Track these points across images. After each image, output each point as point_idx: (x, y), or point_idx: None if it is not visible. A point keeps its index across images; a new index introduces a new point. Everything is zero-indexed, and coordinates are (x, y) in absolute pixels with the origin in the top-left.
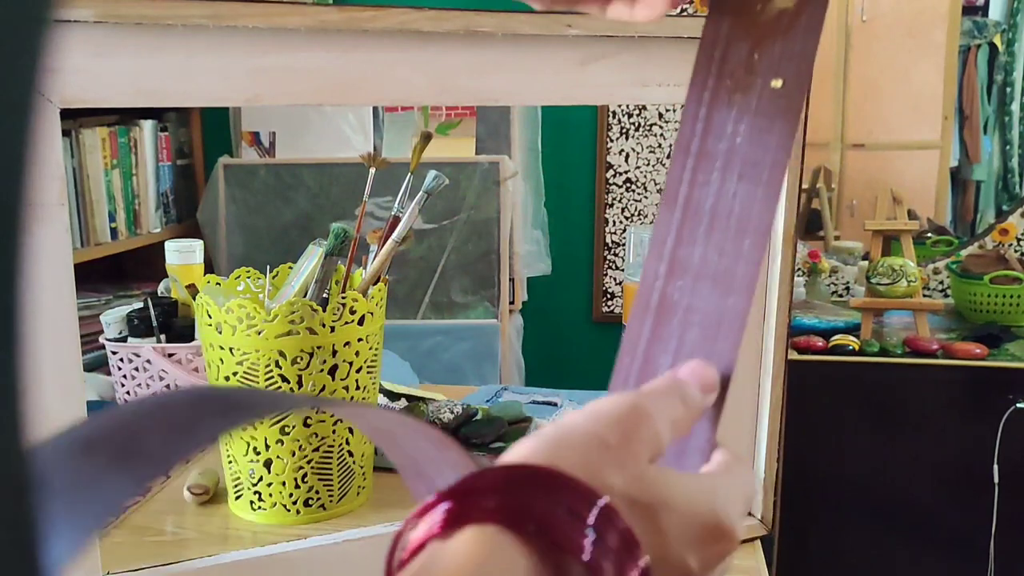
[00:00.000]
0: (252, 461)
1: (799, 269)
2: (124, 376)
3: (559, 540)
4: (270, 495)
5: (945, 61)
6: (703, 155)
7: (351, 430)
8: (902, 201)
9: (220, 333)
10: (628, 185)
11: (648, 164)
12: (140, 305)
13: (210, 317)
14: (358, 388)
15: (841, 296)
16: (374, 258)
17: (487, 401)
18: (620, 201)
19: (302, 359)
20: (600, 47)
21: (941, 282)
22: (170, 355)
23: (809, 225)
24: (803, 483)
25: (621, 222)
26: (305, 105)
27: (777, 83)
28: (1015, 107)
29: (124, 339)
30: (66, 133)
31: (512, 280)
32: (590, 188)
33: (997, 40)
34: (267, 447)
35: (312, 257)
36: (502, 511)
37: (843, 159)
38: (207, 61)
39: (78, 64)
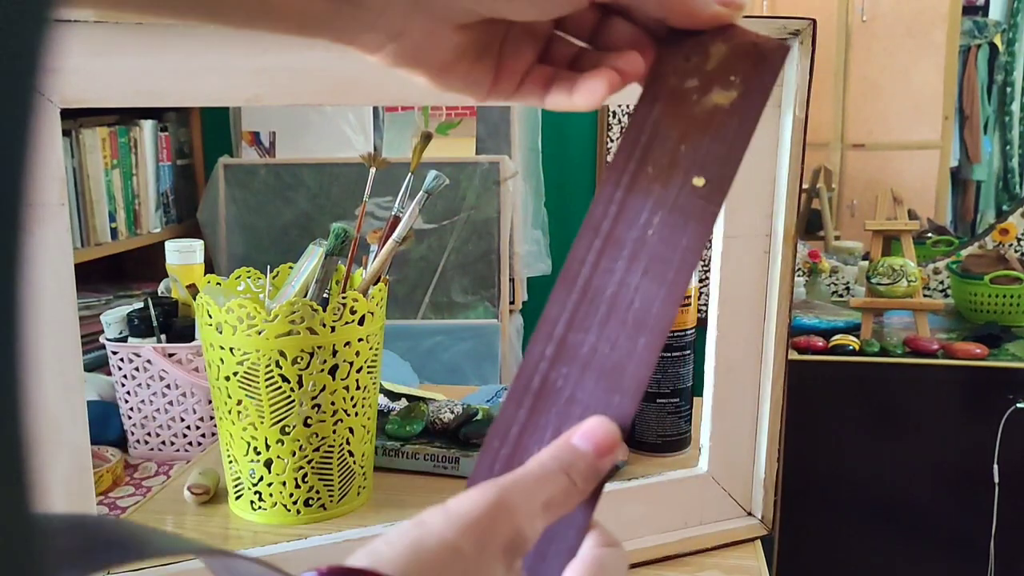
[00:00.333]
0: (252, 461)
1: (799, 269)
2: (124, 376)
3: None
4: (270, 495)
5: (945, 61)
6: (612, 240)
7: (351, 430)
8: (902, 201)
9: (220, 333)
10: None
11: None
12: (140, 305)
13: (210, 317)
14: (358, 388)
15: (841, 296)
16: (374, 258)
17: (487, 401)
18: None
19: (302, 359)
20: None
21: (941, 282)
22: (170, 355)
23: (809, 225)
24: (803, 483)
25: None
26: (305, 105)
27: (699, 181)
28: (1015, 107)
29: (124, 339)
30: (66, 133)
31: (512, 280)
32: (590, 188)
33: (997, 40)
34: (267, 447)
35: (312, 257)
36: None
37: (843, 159)
38: (207, 61)
39: (78, 64)
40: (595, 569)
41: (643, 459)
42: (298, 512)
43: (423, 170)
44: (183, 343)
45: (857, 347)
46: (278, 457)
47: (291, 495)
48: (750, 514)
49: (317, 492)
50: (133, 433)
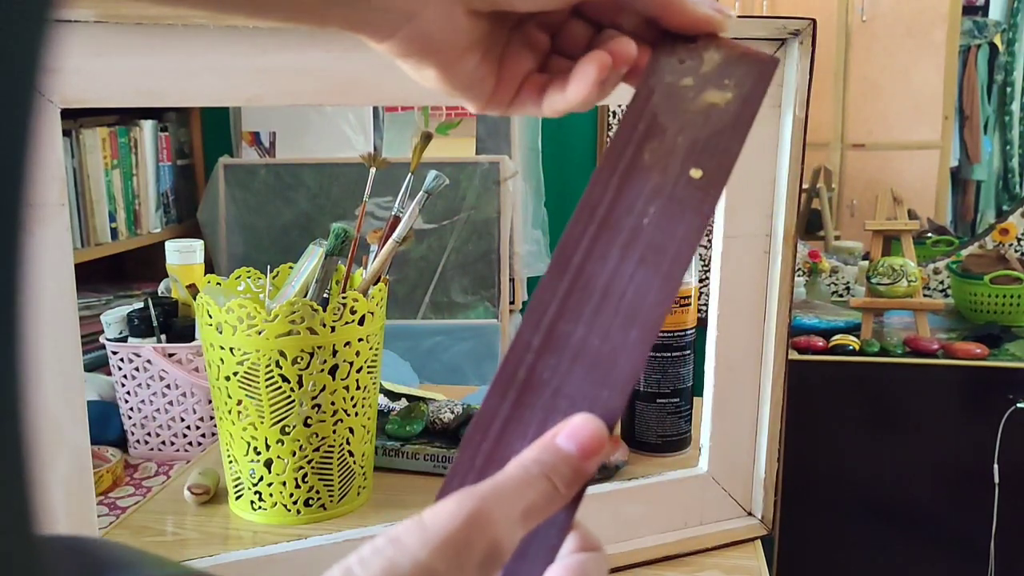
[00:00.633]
0: (252, 461)
1: (799, 269)
2: (124, 376)
3: None
4: (270, 495)
5: (945, 61)
6: (607, 226)
7: (351, 430)
8: (902, 201)
9: (220, 333)
10: None
11: None
12: (140, 305)
13: (210, 317)
14: (358, 388)
15: (841, 296)
16: (374, 258)
17: None
18: None
19: (302, 359)
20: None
21: (941, 282)
22: (170, 355)
23: (809, 225)
24: (803, 483)
25: None
26: (305, 105)
27: (696, 173)
28: (1015, 107)
29: (124, 339)
30: (66, 133)
31: (512, 280)
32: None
33: (997, 40)
34: (267, 447)
35: (312, 257)
36: None
37: (843, 159)
38: (207, 61)
39: (78, 64)
40: (576, 574)
41: (643, 459)
42: (298, 512)
43: (423, 170)
44: (183, 343)
45: (857, 347)
46: (278, 457)
47: (291, 495)
48: (750, 514)
49: (317, 492)
50: (133, 433)
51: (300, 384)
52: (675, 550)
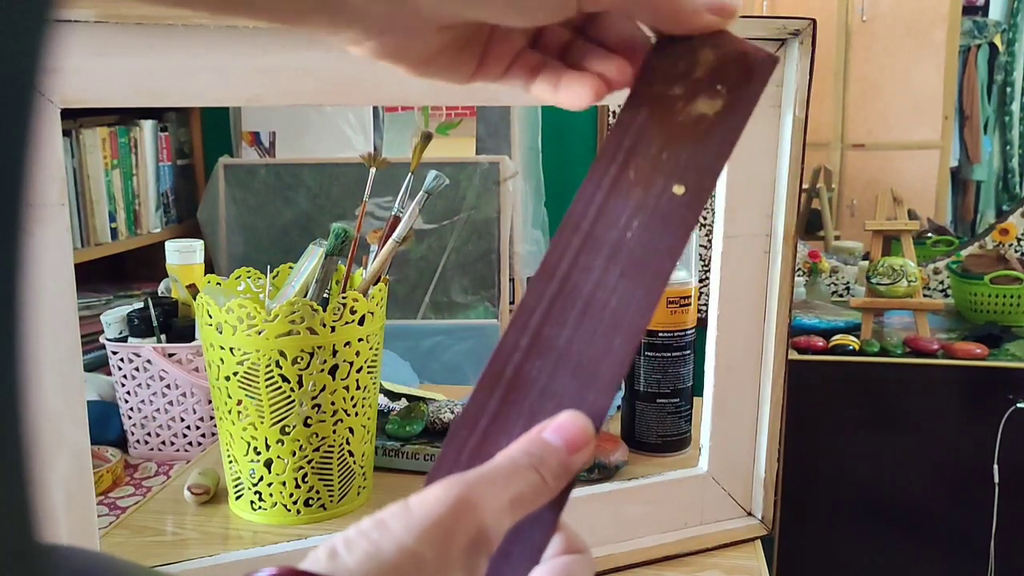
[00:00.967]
0: (252, 461)
1: (799, 269)
2: (124, 376)
3: None
4: (270, 495)
5: (945, 61)
6: (591, 239)
7: (351, 430)
8: (902, 201)
9: (220, 333)
10: None
11: None
12: (140, 305)
13: (210, 317)
14: (358, 388)
15: (841, 296)
16: (374, 258)
17: None
18: None
19: (302, 359)
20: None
21: (941, 282)
22: (170, 355)
23: (809, 225)
24: (803, 483)
25: None
26: (305, 105)
27: (679, 189)
28: (1015, 107)
29: (124, 339)
30: (66, 133)
31: (512, 280)
32: None
33: (997, 40)
34: (267, 447)
35: (312, 257)
36: None
37: (843, 159)
38: (207, 61)
39: (78, 64)
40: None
41: (643, 459)
42: (298, 512)
43: (423, 170)
44: (183, 343)
45: (857, 347)
46: (278, 457)
47: (291, 495)
48: (750, 514)
49: (317, 492)
50: (133, 433)
51: (300, 384)
52: (675, 550)
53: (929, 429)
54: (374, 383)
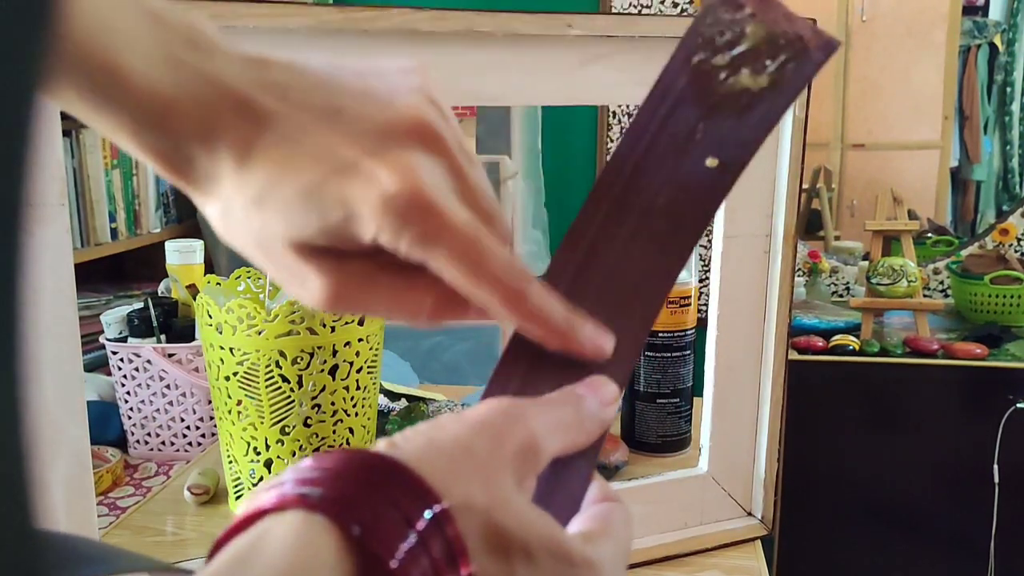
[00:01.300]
0: (252, 461)
1: (799, 269)
2: (124, 376)
3: (377, 541)
4: None
5: (945, 61)
6: (622, 205)
7: (351, 430)
8: (902, 201)
9: (220, 333)
10: None
11: None
12: (140, 305)
13: (210, 317)
14: (358, 388)
15: (841, 296)
16: None
17: None
18: None
19: (302, 359)
20: (600, 47)
21: (941, 282)
22: (170, 355)
23: (809, 225)
24: (803, 483)
25: None
26: None
27: (713, 162)
28: (1015, 107)
29: (124, 339)
30: (66, 133)
31: None
32: (590, 189)
33: (997, 40)
34: (267, 447)
35: None
36: (330, 502)
37: (843, 159)
38: None
39: None
40: (603, 522)
41: (643, 459)
42: None
43: None
44: (183, 343)
45: (857, 347)
46: (278, 457)
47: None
48: (750, 514)
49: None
50: (133, 433)
51: (300, 384)
52: (675, 550)
53: (929, 429)
54: (374, 383)
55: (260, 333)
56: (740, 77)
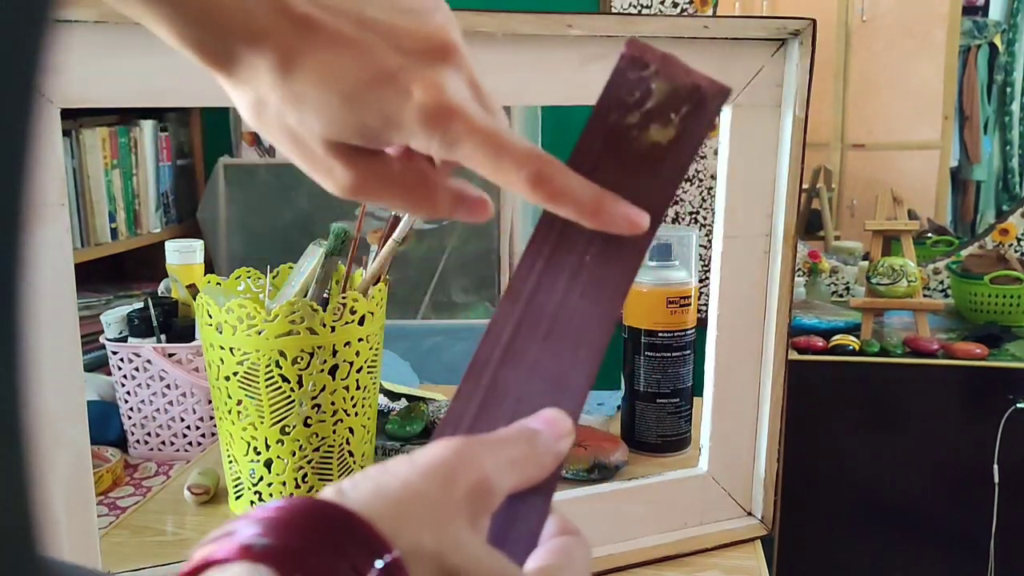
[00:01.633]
0: (252, 461)
1: (799, 269)
2: (124, 376)
3: None
4: (270, 495)
5: (945, 61)
6: (553, 263)
7: (351, 430)
8: (902, 201)
9: (220, 333)
10: None
11: None
12: (140, 305)
13: (210, 317)
14: (358, 388)
15: (841, 296)
16: (374, 258)
17: None
18: None
19: (302, 359)
20: (600, 47)
21: (941, 282)
22: (170, 355)
23: (809, 225)
24: (803, 483)
25: None
26: None
27: None
28: (1015, 107)
29: (124, 339)
30: (66, 133)
31: None
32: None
33: (997, 40)
34: (267, 447)
35: (312, 257)
36: (275, 552)
37: (843, 159)
38: None
39: (78, 64)
40: (562, 556)
41: (643, 459)
42: None
43: None
44: (183, 343)
45: (857, 347)
46: (278, 457)
47: (291, 495)
48: (750, 514)
49: (317, 492)
50: (133, 433)
51: (300, 384)
52: (675, 550)
53: (929, 429)
54: (374, 383)
55: (260, 333)
56: (650, 132)
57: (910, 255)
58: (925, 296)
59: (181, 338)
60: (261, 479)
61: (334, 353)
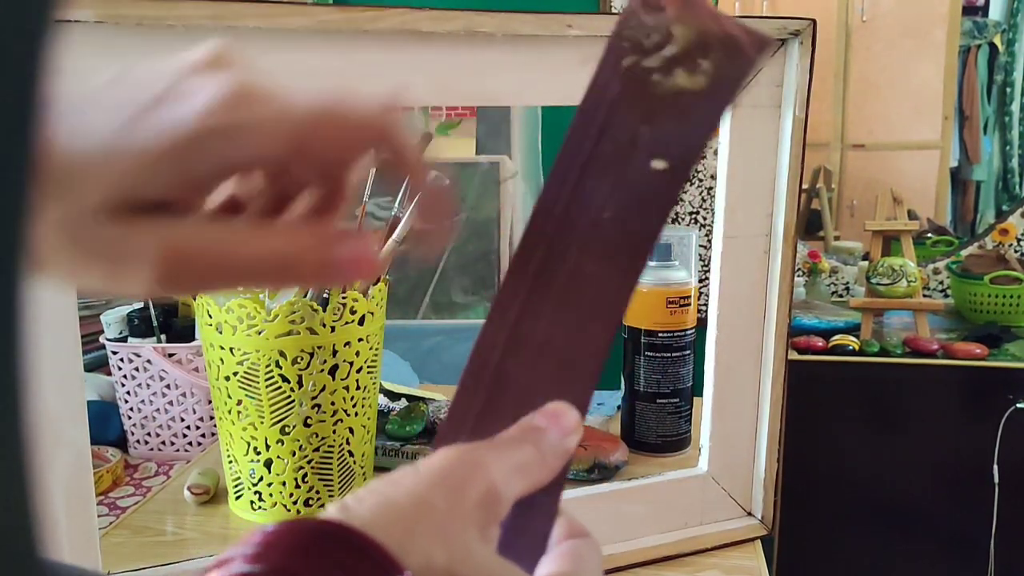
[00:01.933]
0: (252, 461)
1: (799, 269)
2: (124, 376)
3: None
4: (270, 495)
5: (945, 61)
6: (566, 224)
7: (351, 430)
8: (902, 201)
9: (220, 333)
10: None
11: None
12: (140, 305)
13: (210, 317)
14: (358, 388)
15: (841, 296)
16: None
17: None
18: None
19: (302, 359)
20: (600, 47)
21: (941, 282)
22: (170, 355)
23: (809, 225)
24: (803, 483)
25: None
26: None
27: (660, 164)
28: (1015, 107)
29: (124, 339)
30: None
31: None
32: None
33: (997, 40)
34: (267, 447)
35: None
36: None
37: (843, 159)
38: None
39: (78, 64)
40: (573, 560)
41: (643, 459)
42: (298, 512)
43: None
44: (183, 343)
45: (857, 347)
46: (278, 457)
47: (291, 495)
48: (750, 514)
49: (317, 492)
50: (133, 433)
51: (300, 384)
52: (675, 550)
53: (929, 429)
54: (374, 383)
55: (260, 333)
56: (675, 78)
57: (910, 255)
58: (925, 296)
59: (181, 338)
60: (261, 479)
61: (334, 353)
